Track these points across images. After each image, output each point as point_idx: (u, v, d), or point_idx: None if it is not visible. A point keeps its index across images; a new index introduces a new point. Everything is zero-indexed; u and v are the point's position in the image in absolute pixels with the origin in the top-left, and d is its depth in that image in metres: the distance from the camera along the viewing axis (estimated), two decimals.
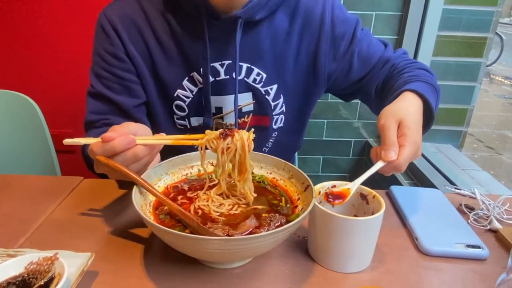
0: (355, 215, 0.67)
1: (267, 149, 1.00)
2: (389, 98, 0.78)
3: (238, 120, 0.93)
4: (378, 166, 0.66)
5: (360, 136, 2.16)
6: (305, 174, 0.68)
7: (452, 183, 1.50)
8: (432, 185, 1.51)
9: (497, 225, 0.73)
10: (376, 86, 0.94)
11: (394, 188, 0.85)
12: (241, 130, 0.66)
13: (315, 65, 0.93)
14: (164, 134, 0.67)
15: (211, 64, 0.87)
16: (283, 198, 0.69)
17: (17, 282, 0.53)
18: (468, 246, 0.66)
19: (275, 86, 0.91)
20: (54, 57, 1.77)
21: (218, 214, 0.64)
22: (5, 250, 0.61)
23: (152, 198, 0.66)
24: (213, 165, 0.75)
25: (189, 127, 0.94)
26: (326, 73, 0.94)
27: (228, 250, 0.52)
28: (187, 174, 0.76)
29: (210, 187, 0.70)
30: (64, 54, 1.76)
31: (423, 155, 1.77)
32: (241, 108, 0.92)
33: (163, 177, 0.72)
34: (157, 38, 0.87)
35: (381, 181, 1.99)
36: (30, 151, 1.30)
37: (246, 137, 0.65)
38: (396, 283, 0.60)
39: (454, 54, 1.84)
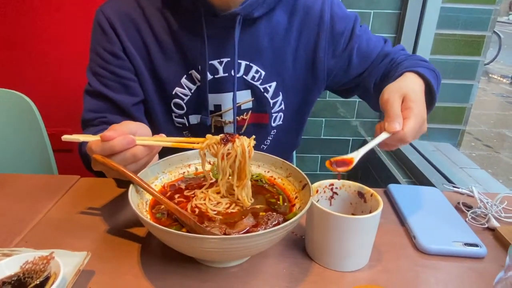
0: (352, 214, 0.67)
1: (265, 147, 1.00)
2: (389, 82, 0.77)
3: (237, 117, 0.92)
4: (382, 137, 0.65)
5: (358, 135, 2.16)
6: (302, 173, 0.68)
7: (450, 181, 1.50)
8: (430, 184, 1.51)
9: (495, 223, 0.73)
10: (375, 80, 0.94)
11: (392, 187, 0.85)
12: (242, 136, 0.66)
13: (314, 62, 0.92)
14: (164, 135, 0.67)
15: (210, 62, 0.86)
16: (280, 197, 0.69)
17: (13, 282, 0.52)
18: (466, 244, 0.66)
19: (274, 84, 0.91)
20: (51, 55, 1.76)
21: (215, 212, 0.63)
22: (0, 249, 0.61)
23: (148, 197, 0.65)
24: (210, 164, 0.74)
25: (187, 125, 0.94)
26: (326, 70, 0.94)
27: (225, 249, 0.52)
28: (184, 172, 0.75)
29: (208, 186, 0.69)
30: (61, 52, 1.75)
31: (421, 154, 1.77)
32: (239, 106, 0.92)
33: (160, 175, 0.72)
34: (155, 36, 0.86)
35: (379, 180, 1.99)
36: (27, 150, 1.29)
37: (246, 143, 0.64)
38: (393, 281, 0.60)
39: (452, 53, 1.85)
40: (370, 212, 0.62)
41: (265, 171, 0.75)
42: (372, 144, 0.65)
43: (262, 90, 0.91)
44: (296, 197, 0.68)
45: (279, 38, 0.89)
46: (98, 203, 0.78)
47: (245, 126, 0.95)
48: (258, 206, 0.66)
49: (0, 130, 1.27)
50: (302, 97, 0.97)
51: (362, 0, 1.82)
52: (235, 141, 0.64)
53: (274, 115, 0.95)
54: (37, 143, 1.28)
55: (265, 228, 0.59)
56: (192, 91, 0.89)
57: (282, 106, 0.94)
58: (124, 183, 0.84)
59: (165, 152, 0.81)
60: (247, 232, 0.59)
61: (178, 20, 0.85)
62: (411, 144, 1.89)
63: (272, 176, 0.74)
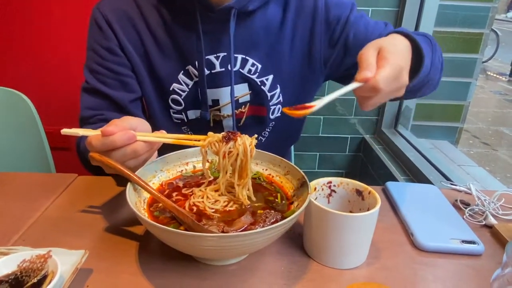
0: (350, 211, 0.67)
1: (263, 139, 1.00)
2: None
3: (235, 111, 0.92)
4: (352, 86, 0.60)
5: (357, 133, 2.16)
6: (300, 171, 0.68)
7: (448, 179, 1.50)
8: (428, 181, 1.51)
9: (492, 220, 0.73)
10: None
11: (390, 184, 0.85)
12: (244, 135, 0.65)
13: (310, 52, 0.92)
14: (164, 131, 0.67)
15: (206, 57, 0.87)
16: (278, 195, 0.69)
17: (10, 280, 0.52)
18: (463, 241, 0.66)
19: (270, 77, 0.91)
20: (48, 53, 1.76)
21: (213, 210, 0.63)
22: None
23: (146, 195, 0.65)
24: (209, 162, 0.74)
25: (186, 120, 0.94)
26: (322, 59, 0.93)
27: (222, 247, 0.52)
28: (182, 170, 0.75)
29: (202, 183, 0.69)
30: (59, 50, 1.75)
31: (418, 151, 1.77)
32: (237, 99, 0.92)
33: (157, 173, 0.72)
34: (151, 32, 0.87)
35: (377, 177, 1.99)
36: (24, 148, 1.29)
37: (248, 142, 0.64)
38: (391, 279, 0.60)
39: (450, 50, 1.85)
40: (368, 209, 0.62)
41: (263, 169, 0.75)
42: (338, 92, 0.60)
43: (259, 83, 0.91)
44: (294, 195, 0.68)
45: (275, 31, 0.89)
46: (96, 202, 0.78)
47: (243, 119, 0.95)
48: (256, 204, 0.66)
49: None
50: (300, 89, 0.96)
51: None
52: (237, 139, 0.64)
53: (272, 107, 0.95)
54: (34, 141, 1.27)
55: (263, 226, 0.59)
56: (190, 86, 0.89)
57: (280, 98, 0.94)
58: (122, 181, 0.84)
59: (165, 149, 0.81)
60: (245, 230, 0.58)
61: (173, 17, 0.86)
62: (408, 142, 1.89)
63: (270, 174, 0.74)
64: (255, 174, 0.74)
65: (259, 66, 0.89)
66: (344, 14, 0.90)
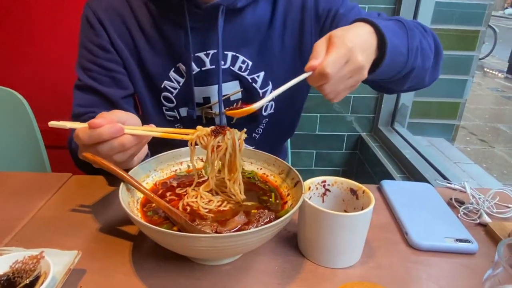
0: (345, 211, 0.67)
1: (257, 136, 1.00)
2: None
3: (227, 108, 0.92)
4: (300, 77, 0.60)
5: (353, 130, 2.16)
6: (295, 170, 0.68)
7: (444, 176, 1.50)
8: (424, 179, 1.51)
9: (486, 219, 0.73)
10: None
11: (385, 183, 0.85)
12: (233, 129, 0.65)
13: (301, 46, 0.91)
14: (153, 125, 0.66)
15: (196, 54, 0.87)
16: (273, 194, 0.68)
17: (2, 281, 0.52)
18: (458, 240, 0.66)
19: (261, 74, 0.91)
20: (42, 51, 1.74)
21: (206, 210, 0.63)
22: None
23: (140, 195, 0.65)
24: (203, 161, 0.74)
25: (178, 118, 0.94)
26: None
27: (216, 247, 0.52)
28: (176, 170, 0.75)
29: (200, 184, 0.69)
30: (53, 48, 1.74)
31: (415, 149, 1.77)
32: (229, 97, 0.92)
33: (151, 173, 0.71)
34: (141, 29, 0.87)
35: (374, 175, 1.99)
36: (19, 147, 1.28)
37: (237, 136, 0.64)
38: (385, 277, 0.60)
39: (446, 48, 1.83)
40: (362, 208, 0.62)
41: (257, 168, 0.75)
42: (286, 85, 0.61)
43: (250, 81, 0.90)
44: (288, 194, 0.67)
45: (265, 27, 0.89)
46: (90, 201, 0.78)
47: (235, 117, 0.95)
48: (250, 204, 0.66)
49: None
50: (294, 85, 0.95)
51: None
52: (226, 133, 0.63)
53: (265, 104, 0.94)
54: (29, 140, 1.26)
55: (256, 226, 0.58)
56: (181, 84, 0.89)
57: None
58: (115, 180, 0.83)
59: (158, 145, 0.80)
60: (238, 230, 0.58)
61: (162, 14, 0.86)
62: (405, 139, 1.89)
63: (264, 173, 0.74)
64: (249, 173, 0.74)
65: (250, 63, 0.89)
66: (334, 6, 0.89)
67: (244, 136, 0.65)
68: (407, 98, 1.97)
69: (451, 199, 0.80)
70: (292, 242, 0.67)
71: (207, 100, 0.92)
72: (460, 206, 0.77)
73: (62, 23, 1.69)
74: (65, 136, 0.88)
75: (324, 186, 0.68)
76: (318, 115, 2.10)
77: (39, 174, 0.93)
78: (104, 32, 0.86)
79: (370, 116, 2.12)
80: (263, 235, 0.54)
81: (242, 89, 0.92)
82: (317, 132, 2.15)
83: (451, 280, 0.60)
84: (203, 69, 0.88)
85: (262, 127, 0.99)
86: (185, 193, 0.68)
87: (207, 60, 0.87)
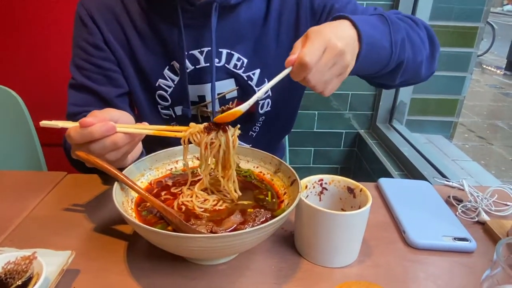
0: (342, 209, 0.67)
1: (254, 134, 0.99)
2: None
3: (223, 107, 0.91)
4: (281, 74, 0.60)
5: (351, 128, 2.15)
6: (291, 168, 0.67)
7: (442, 174, 1.50)
8: (422, 177, 1.51)
9: (485, 217, 0.73)
10: None
11: (383, 181, 0.85)
12: (227, 126, 0.64)
13: None
14: (147, 123, 0.65)
15: (190, 52, 0.86)
16: (269, 193, 0.68)
17: None
18: (456, 238, 0.66)
19: (257, 71, 0.90)
20: (37, 49, 1.73)
21: (202, 210, 0.62)
22: None
23: (134, 194, 0.64)
24: (198, 160, 0.73)
25: (174, 116, 0.93)
26: None
27: (211, 247, 0.51)
28: (171, 169, 0.74)
29: (195, 182, 0.68)
30: (48, 46, 1.72)
31: (413, 146, 1.77)
32: (224, 95, 0.91)
33: (146, 172, 0.70)
34: (135, 27, 0.86)
35: (372, 173, 1.99)
36: (14, 145, 1.27)
37: (231, 133, 0.63)
38: (383, 277, 0.60)
39: (445, 44, 1.84)
40: (360, 207, 0.61)
41: (254, 167, 0.74)
42: (269, 84, 0.61)
43: (246, 78, 0.89)
44: (285, 193, 0.67)
45: (259, 24, 0.88)
46: (84, 200, 0.77)
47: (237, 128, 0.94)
48: (246, 203, 0.65)
49: None
50: (290, 82, 0.94)
51: None
52: (218, 130, 0.62)
53: (261, 102, 0.93)
54: (25, 139, 1.25)
55: (252, 226, 0.58)
56: (175, 82, 0.88)
57: (269, 92, 0.93)
58: (110, 179, 0.82)
59: (152, 143, 0.80)
60: (234, 229, 0.58)
61: (156, 11, 0.85)
62: (403, 137, 1.89)
63: (261, 172, 0.73)
64: (246, 172, 0.73)
65: (245, 60, 0.88)
66: (330, 1, 0.88)
67: (237, 132, 0.64)
68: (405, 95, 1.96)
69: (449, 197, 0.79)
70: (288, 241, 0.66)
71: (202, 98, 0.91)
72: (458, 204, 0.77)
73: (58, 21, 1.68)
74: (61, 134, 0.87)
75: (321, 184, 0.67)
76: (316, 112, 2.09)
77: (33, 173, 0.93)
78: (98, 30, 0.85)
79: (368, 113, 2.11)
80: (259, 234, 0.53)
81: (237, 87, 0.91)
82: (315, 130, 2.14)
83: (449, 279, 0.60)
84: (197, 67, 0.87)
85: (259, 125, 0.98)
86: (180, 192, 0.67)
87: (201, 58, 0.86)
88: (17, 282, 0.51)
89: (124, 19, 0.85)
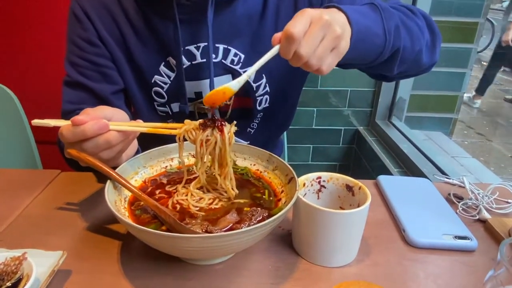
0: (340, 207, 0.65)
1: (252, 130, 0.98)
2: None
3: (220, 104, 0.90)
4: (271, 51, 0.59)
5: (350, 124, 2.14)
6: (289, 166, 0.65)
7: (441, 171, 1.49)
8: (421, 174, 1.50)
9: (486, 215, 0.71)
10: None
11: (382, 178, 0.83)
12: (223, 122, 0.62)
13: None
14: (141, 121, 0.64)
15: (186, 47, 0.84)
16: (266, 191, 0.66)
17: None
18: (456, 237, 0.65)
19: None
20: (32, 46, 1.71)
21: (197, 209, 0.61)
22: None
23: (128, 193, 0.63)
24: (194, 157, 0.72)
25: (170, 113, 0.91)
26: None
27: (206, 247, 0.50)
28: (166, 167, 0.72)
29: (191, 181, 0.67)
30: (43, 43, 1.70)
31: (412, 143, 1.75)
32: None
33: (140, 170, 0.69)
34: (129, 22, 0.84)
35: (371, 170, 1.98)
36: (9, 143, 1.25)
37: (227, 129, 0.62)
38: (382, 276, 0.58)
39: (444, 40, 1.81)
40: (359, 205, 0.60)
41: (251, 164, 0.73)
42: (259, 62, 0.61)
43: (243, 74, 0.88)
44: (282, 191, 0.65)
45: (257, 18, 0.86)
46: (78, 199, 0.75)
47: (229, 112, 0.92)
48: (242, 201, 0.63)
49: None
50: (288, 77, 0.93)
51: None
52: (214, 127, 0.61)
53: (259, 98, 0.92)
54: (19, 136, 1.24)
55: (248, 225, 0.56)
56: (171, 78, 0.87)
57: (267, 88, 0.91)
58: (105, 177, 0.81)
59: (148, 141, 0.78)
60: (230, 229, 0.56)
61: (150, 6, 0.83)
62: (402, 134, 1.87)
63: (258, 170, 0.72)
64: (242, 170, 0.72)
65: (242, 56, 0.86)
66: None
67: (234, 129, 0.62)
68: (405, 92, 1.95)
69: (449, 194, 0.78)
70: (286, 241, 0.65)
71: (199, 95, 0.89)
72: (459, 202, 0.75)
73: (53, 18, 1.66)
74: (56, 131, 0.85)
75: (319, 182, 0.66)
76: (315, 109, 2.08)
77: (27, 171, 0.91)
78: (92, 26, 0.83)
79: (367, 110, 2.10)
80: (256, 234, 0.52)
81: None
82: (313, 127, 2.13)
83: (449, 278, 0.58)
84: (193, 63, 0.85)
85: (256, 121, 0.97)
86: (175, 190, 0.65)
87: (197, 54, 0.85)
88: (7, 284, 0.50)
89: (118, 14, 0.84)
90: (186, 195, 0.63)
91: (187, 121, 0.63)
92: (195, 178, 0.67)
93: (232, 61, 0.86)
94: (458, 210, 0.73)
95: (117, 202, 0.58)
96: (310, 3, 0.87)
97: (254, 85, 0.90)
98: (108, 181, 0.59)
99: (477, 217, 0.72)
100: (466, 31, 1.80)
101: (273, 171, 0.70)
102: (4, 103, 1.20)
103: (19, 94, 1.21)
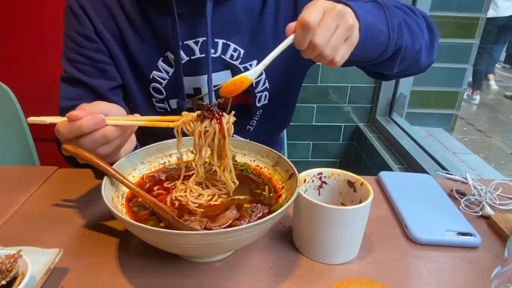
0: (342, 203, 0.64)
1: (252, 128, 0.97)
2: None
3: (219, 100, 0.88)
4: (285, 42, 0.59)
5: (350, 121, 2.13)
6: (290, 162, 0.64)
7: (443, 167, 1.48)
8: (423, 170, 1.49)
9: (489, 211, 0.70)
10: None
11: (383, 174, 0.82)
12: (221, 113, 0.61)
13: None
14: (138, 114, 0.63)
15: (185, 42, 0.83)
16: (266, 187, 0.65)
17: None
18: (459, 233, 0.64)
19: (254, 62, 0.87)
20: (29, 42, 1.70)
21: (196, 205, 0.60)
22: None
23: (125, 189, 0.62)
24: (193, 153, 0.70)
25: (169, 110, 0.90)
26: None
27: (205, 244, 0.49)
28: (165, 162, 0.71)
29: (190, 177, 0.66)
30: (41, 39, 1.69)
31: (413, 139, 1.74)
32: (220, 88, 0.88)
33: (138, 166, 0.68)
34: (127, 17, 0.82)
35: (371, 166, 1.97)
36: (6, 140, 1.24)
37: (225, 120, 0.60)
38: (384, 273, 0.57)
39: (445, 35, 1.80)
40: (360, 201, 0.59)
41: (250, 160, 0.72)
42: (275, 52, 0.60)
43: (243, 70, 0.86)
44: (282, 187, 0.64)
45: (256, 14, 0.85)
46: (75, 196, 0.74)
47: (228, 108, 0.91)
48: (242, 197, 0.62)
49: None
50: (287, 73, 0.92)
51: None
52: (213, 118, 0.60)
53: (258, 95, 0.91)
54: (17, 133, 1.23)
55: (248, 221, 0.55)
56: (170, 74, 0.85)
57: (266, 84, 0.90)
58: (103, 173, 0.80)
59: (146, 136, 0.77)
60: (229, 226, 0.55)
61: (148, 0, 0.81)
62: (403, 130, 1.86)
63: (258, 166, 0.71)
64: (242, 166, 0.71)
65: (242, 51, 0.85)
66: None
67: (233, 119, 0.61)
68: (405, 88, 1.94)
69: (452, 190, 0.77)
70: (286, 237, 0.64)
71: (197, 91, 0.88)
72: (462, 198, 0.74)
73: (50, 15, 1.64)
74: (54, 128, 0.84)
75: (320, 178, 0.65)
76: (315, 105, 2.06)
77: (23, 168, 0.90)
78: (88, 21, 0.82)
79: (367, 106, 2.09)
80: (256, 231, 0.51)
81: None
82: (313, 123, 2.12)
83: (452, 275, 0.58)
84: (192, 58, 0.84)
85: (256, 119, 0.95)
86: (173, 186, 0.64)
87: (196, 49, 0.83)
88: (1, 282, 0.49)
89: (115, 9, 0.82)
90: (185, 192, 0.62)
91: (184, 112, 0.62)
92: (194, 174, 0.66)
93: (232, 57, 0.85)
94: (460, 206, 0.73)
95: (114, 198, 0.57)
96: None
97: (254, 81, 0.88)
98: (105, 177, 0.58)
99: (480, 213, 0.71)
100: (467, 26, 1.79)
101: (273, 167, 0.69)
102: (1, 100, 1.19)
103: (16, 91, 1.20)
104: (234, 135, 0.65)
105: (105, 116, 0.58)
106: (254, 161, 0.71)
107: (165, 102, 0.89)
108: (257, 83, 0.89)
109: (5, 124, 1.22)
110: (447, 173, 0.84)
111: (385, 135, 1.93)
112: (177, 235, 0.47)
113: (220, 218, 0.56)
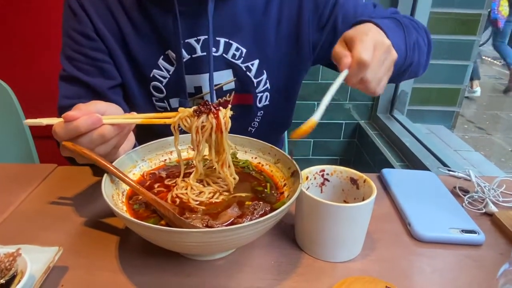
0: (345, 201, 0.64)
1: (253, 129, 0.96)
2: None
3: (220, 99, 0.88)
4: (340, 78, 0.59)
5: (351, 118, 2.12)
6: (292, 159, 0.64)
7: (444, 164, 1.47)
8: (424, 167, 1.48)
9: (492, 208, 0.70)
10: None
11: (386, 171, 0.82)
12: (217, 107, 0.61)
13: (298, 35, 0.87)
14: (135, 113, 0.62)
15: (186, 41, 0.82)
16: (268, 185, 0.64)
17: None
18: (463, 231, 0.63)
19: (256, 62, 0.86)
20: (29, 40, 1.69)
21: (197, 203, 0.59)
22: None
23: (126, 187, 0.61)
24: (193, 150, 0.70)
25: (169, 109, 0.89)
26: (311, 43, 0.88)
27: (206, 242, 0.48)
28: (165, 160, 0.71)
29: (190, 174, 0.65)
30: (40, 36, 1.68)
31: (414, 137, 1.74)
32: (221, 87, 0.87)
33: (138, 163, 0.67)
34: (127, 15, 0.81)
35: (372, 164, 1.96)
36: (5, 138, 1.24)
37: (222, 114, 0.60)
38: (387, 271, 0.57)
39: (447, 32, 1.79)
40: (363, 199, 0.58)
41: (252, 157, 0.71)
42: (331, 91, 0.60)
43: (244, 69, 0.86)
44: (284, 185, 0.64)
45: (259, 12, 0.84)
46: (75, 193, 0.74)
47: (229, 108, 0.90)
48: (243, 195, 0.62)
49: None
50: (288, 74, 0.92)
51: None
52: (209, 112, 0.59)
53: (259, 95, 0.90)
54: (16, 131, 1.22)
55: (250, 219, 0.55)
56: (170, 72, 0.84)
57: (268, 85, 0.89)
58: (102, 171, 0.79)
59: (145, 134, 0.76)
60: (231, 223, 0.54)
61: None
62: (404, 127, 1.86)
63: (259, 163, 0.70)
64: (243, 163, 0.70)
65: (244, 50, 0.84)
66: None
67: (230, 113, 0.61)
68: (407, 85, 1.93)
69: (455, 187, 0.77)
70: (289, 235, 0.63)
71: (198, 90, 0.87)
72: (465, 195, 0.74)
73: (50, 13, 1.63)
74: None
75: (322, 175, 0.64)
76: (315, 103, 2.05)
77: (22, 166, 0.89)
78: (87, 19, 0.80)
79: (368, 104, 2.08)
80: (258, 228, 0.50)
81: (235, 78, 0.87)
82: None
83: (456, 273, 0.57)
84: (193, 56, 0.83)
85: (257, 120, 0.95)
86: (174, 184, 0.64)
87: (197, 47, 0.82)
88: (0, 281, 0.48)
89: (115, 6, 0.81)
90: (186, 189, 0.61)
91: (181, 108, 0.61)
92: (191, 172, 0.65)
93: (234, 56, 0.84)
94: (464, 204, 0.72)
95: (114, 196, 0.57)
96: (315, 3, 0.85)
97: (255, 81, 0.88)
98: (105, 175, 0.57)
99: (484, 211, 0.71)
100: (468, 22, 1.78)
101: (275, 164, 0.68)
102: (0, 98, 1.18)
103: (15, 89, 1.19)
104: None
105: (101, 116, 0.57)
106: (255, 158, 0.71)
107: (165, 101, 0.88)
108: (259, 82, 0.88)
109: (4, 121, 1.22)
110: (450, 170, 0.84)
111: (386, 132, 1.92)
112: (178, 233, 0.46)
113: (222, 216, 0.55)
